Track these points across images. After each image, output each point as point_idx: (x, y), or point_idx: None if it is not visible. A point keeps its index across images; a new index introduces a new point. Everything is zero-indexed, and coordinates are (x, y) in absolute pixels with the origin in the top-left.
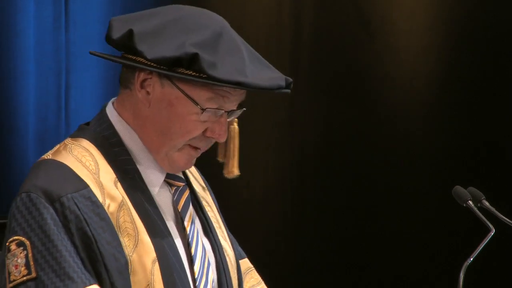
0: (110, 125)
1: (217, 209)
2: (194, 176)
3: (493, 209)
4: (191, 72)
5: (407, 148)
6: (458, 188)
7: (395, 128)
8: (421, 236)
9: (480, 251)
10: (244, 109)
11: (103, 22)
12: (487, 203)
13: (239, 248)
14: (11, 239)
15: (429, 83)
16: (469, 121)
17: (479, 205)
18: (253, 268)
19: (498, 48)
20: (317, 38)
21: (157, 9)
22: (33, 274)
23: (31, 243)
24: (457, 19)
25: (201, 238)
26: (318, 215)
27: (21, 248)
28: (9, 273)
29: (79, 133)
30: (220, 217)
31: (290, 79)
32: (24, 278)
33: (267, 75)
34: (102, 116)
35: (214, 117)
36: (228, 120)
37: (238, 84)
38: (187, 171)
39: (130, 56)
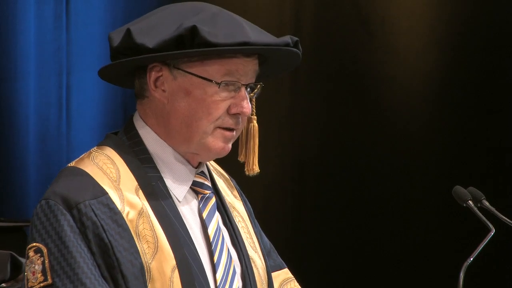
0: (136, 134)
1: (251, 221)
2: (227, 186)
3: (493, 209)
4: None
5: (407, 147)
6: (458, 188)
7: (395, 128)
8: (421, 236)
9: (480, 251)
10: (262, 84)
11: (104, 22)
12: (487, 203)
13: (279, 259)
14: (29, 246)
15: (429, 83)
16: (469, 121)
17: (479, 205)
18: (293, 278)
19: (499, 48)
20: (317, 37)
21: (149, 12)
22: (49, 281)
23: (48, 249)
24: (457, 19)
25: (227, 246)
26: (318, 215)
27: (38, 254)
28: (27, 280)
29: (104, 142)
30: (254, 229)
31: (296, 38)
32: (41, 284)
33: (271, 38)
34: (129, 124)
35: (233, 93)
36: (249, 96)
37: (244, 44)
38: (216, 181)
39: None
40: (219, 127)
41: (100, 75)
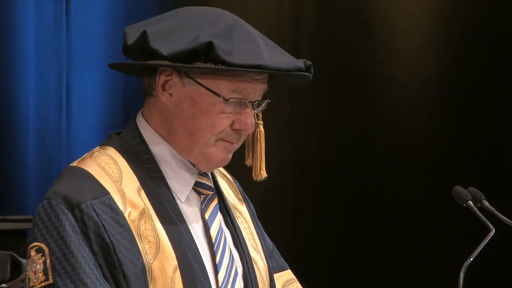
0: (139, 134)
1: (253, 222)
2: (230, 187)
3: (493, 209)
4: (209, 64)
5: (407, 147)
6: (458, 188)
7: (395, 128)
8: (421, 236)
9: (480, 251)
10: (269, 100)
11: (104, 22)
12: (487, 203)
13: (281, 260)
14: (31, 246)
15: (429, 83)
16: (469, 121)
17: (479, 205)
18: (296, 280)
19: (499, 48)
20: (317, 37)
21: (167, 13)
22: (50, 280)
23: (50, 249)
24: (457, 19)
25: (229, 247)
26: (318, 215)
27: (40, 254)
28: (29, 279)
29: (107, 142)
30: (256, 230)
31: (309, 62)
32: (42, 284)
33: (285, 60)
34: (132, 125)
35: (239, 109)
36: (254, 111)
37: (257, 67)
38: (219, 182)
39: (148, 62)
40: (221, 139)
41: (109, 66)
